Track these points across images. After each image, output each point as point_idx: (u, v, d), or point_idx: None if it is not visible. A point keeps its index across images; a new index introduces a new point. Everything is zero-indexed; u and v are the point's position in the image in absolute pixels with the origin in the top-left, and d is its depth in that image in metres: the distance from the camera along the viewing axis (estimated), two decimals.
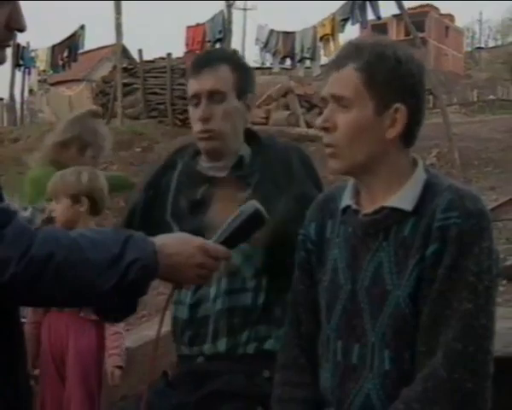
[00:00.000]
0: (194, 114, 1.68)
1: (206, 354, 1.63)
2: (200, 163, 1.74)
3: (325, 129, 1.28)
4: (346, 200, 1.34)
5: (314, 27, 10.69)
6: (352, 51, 1.27)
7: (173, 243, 1.26)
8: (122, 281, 1.16)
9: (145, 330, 3.37)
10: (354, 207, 1.31)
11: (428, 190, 1.25)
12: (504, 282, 4.65)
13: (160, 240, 1.24)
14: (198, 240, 1.29)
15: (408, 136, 1.28)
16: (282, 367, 1.41)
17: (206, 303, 1.64)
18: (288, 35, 11.30)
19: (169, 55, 13.00)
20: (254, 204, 1.32)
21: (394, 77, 1.24)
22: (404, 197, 1.25)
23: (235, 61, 1.72)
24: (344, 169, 1.30)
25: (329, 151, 1.29)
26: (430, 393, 1.14)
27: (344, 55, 1.28)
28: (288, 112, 12.06)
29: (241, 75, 1.70)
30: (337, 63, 1.28)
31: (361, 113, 1.25)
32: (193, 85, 1.69)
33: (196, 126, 1.68)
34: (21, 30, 1.20)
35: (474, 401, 1.14)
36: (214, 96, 1.65)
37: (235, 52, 1.69)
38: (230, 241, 1.32)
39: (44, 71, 13.85)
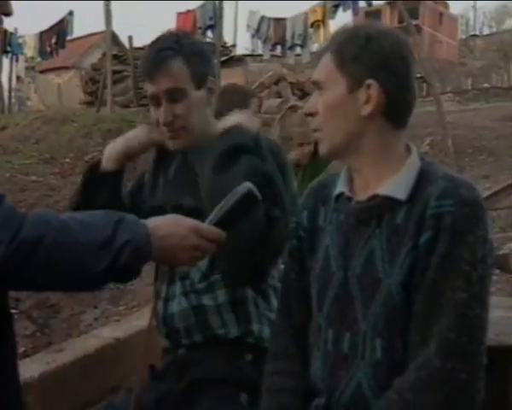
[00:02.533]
0: (156, 115, 1.59)
1: (185, 345, 1.63)
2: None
3: (310, 115, 1.30)
4: (340, 187, 1.33)
5: (305, 13, 10.62)
6: (331, 39, 1.30)
7: (166, 224, 1.25)
8: (114, 263, 1.14)
9: (135, 320, 3.38)
10: (347, 194, 1.30)
11: (422, 178, 1.23)
12: (497, 271, 4.62)
13: (153, 222, 1.23)
14: (191, 221, 1.27)
15: (392, 114, 1.26)
16: (272, 357, 1.40)
17: (174, 300, 1.63)
18: (279, 21, 11.22)
19: None
20: (247, 185, 1.31)
21: (363, 53, 1.23)
22: (397, 185, 1.23)
23: (186, 50, 1.58)
24: (328, 151, 1.30)
25: (316, 136, 1.31)
26: (423, 382, 1.12)
27: (325, 45, 1.31)
28: (280, 99, 11.97)
29: (196, 63, 1.58)
30: (319, 53, 1.31)
31: (334, 93, 1.26)
32: (149, 88, 1.59)
33: (160, 128, 1.60)
34: (8, 14, 1.19)
35: (467, 391, 1.13)
36: (173, 94, 1.56)
37: (183, 37, 1.62)
38: (224, 222, 1.30)
39: (32, 58, 13.74)
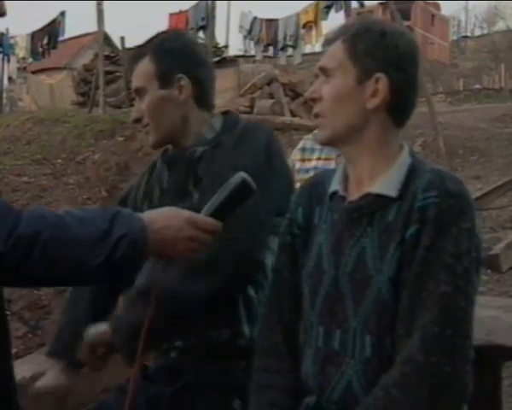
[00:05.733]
0: None
1: (178, 347, 1.60)
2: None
3: (313, 100, 1.30)
4: (334, 185, 1.33)
5: (297, 14, 10.64)
6: (343, 28, 1.31)
7: (162, 217, 1.25)
8: (111, 257, 1.14)
9: None
10: (341, 193, 1.31)
11: (412, 174, 1.24)
12: (489, 271, 4.64)
13: (148, 215, 1.24)
14: (186, 213, 1.28)
15: (395, 111, 1.27)
16: (261, 353, 1.39)
17: None
18: (272, 22, 11.24)
19: None
20: (242, 175, 1.31)
21: (377, 47, 1.25)
22: (388, 183, 1.24)
23: (154, 49, 1.63)
24: (328, 138, 1.30)
25: (317, 122, 1.31)
26: (408, 378, 1.12)
27: (336, 32, 1.31)
28: (273, 100, 11.95)
29: (162, 61, 1.62)
30: (329, 40, 1.31)
31: (342, 81, 1.26)
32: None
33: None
34: (1, 15, 1.19)
35: (453, 385, 1.11)
36: (139, 93, 1.64)
37: (161, 35, 1.69)
38: (219, 213, 1.31)
39: (24, 58, 13.69)
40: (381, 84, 1.24)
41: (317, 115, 1.30)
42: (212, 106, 1.70)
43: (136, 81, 1.64)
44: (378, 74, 1.24)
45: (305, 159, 3.42)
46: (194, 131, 1.65)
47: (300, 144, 3.49)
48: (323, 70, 1.29)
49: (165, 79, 1.61)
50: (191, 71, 1.63)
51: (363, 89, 1.25)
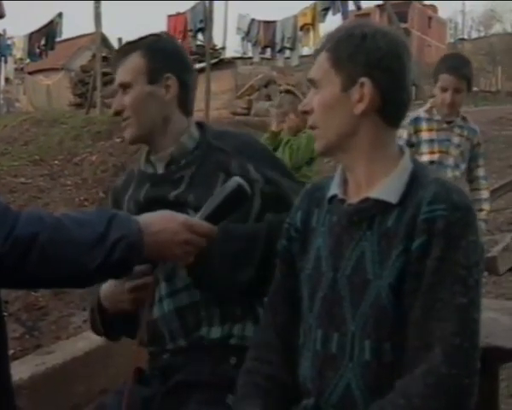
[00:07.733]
0: None
1: (170, 350, 1.61)
2: (148, 161, 1.72)
3: (306, 113, 1.32)
4: (333, 189, 1.34)
5: (295, 17, 10.65)
6: (328, 37, 1.31)
7: (158, 220, 1.26)
8: (108, 260, 1.15)
9: None
10: (340, 196, 1.31)
11: (414, 182, 1.24)
12: (486, 274, 4.65)
13: (145, 218, 1.25)
14: (183, 217, 1.30)
15: (386, 112, 1.27)
16: (254, 345, 1.42)
17: (157, 304, 1.62)
18: (269, 24, 11.24)
19: None
20: (237, 180, 1.32)
21: (358, 52, 1.24)
22: (389, 189, 1.24)
23: (146, 46, 1.64)
24: (323, 149, 1.31)
25: (313, 133, 1.33)
26: (431, 389, 1.11)
27: (323, 42, 1.32)
28: (270, 102, 11.97)
29: (153, 58, 1.63)
30: (317, 51, 1.32)
31: (328, 91, 1.27)
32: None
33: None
34: (0, 16, 1.21)
35: (469, 396, 1.13)
36: (124, 87, 1.64)
37: (151, 37, 1.70)
38: (214, 217, 1.32)
39: (21, 59, 13.68)
40: (366, 89, 1.24)
41: (311, 127, 1.32)
42: (192, 112, 1.72)
43: (123, 75, 1.63)
44: (362, 79, 1.24)
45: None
46: (172, 135, 1.66)
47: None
48: (312, 82, 1.31)
49: (153, 75, 1.62)
50: (179, 74, 1.65)
51: (349, 95, 1.25)
